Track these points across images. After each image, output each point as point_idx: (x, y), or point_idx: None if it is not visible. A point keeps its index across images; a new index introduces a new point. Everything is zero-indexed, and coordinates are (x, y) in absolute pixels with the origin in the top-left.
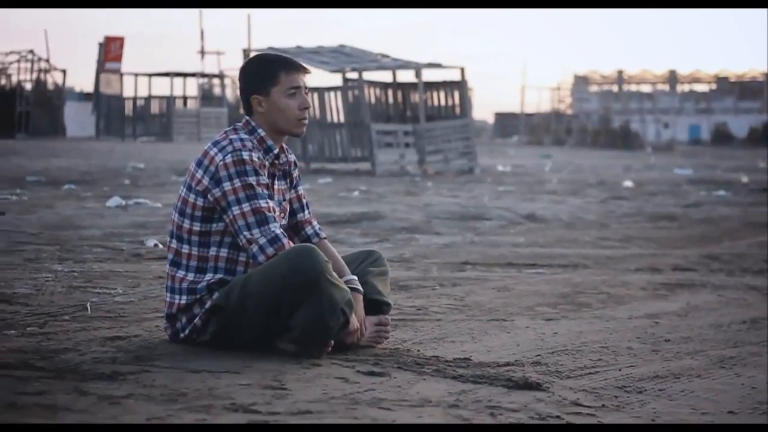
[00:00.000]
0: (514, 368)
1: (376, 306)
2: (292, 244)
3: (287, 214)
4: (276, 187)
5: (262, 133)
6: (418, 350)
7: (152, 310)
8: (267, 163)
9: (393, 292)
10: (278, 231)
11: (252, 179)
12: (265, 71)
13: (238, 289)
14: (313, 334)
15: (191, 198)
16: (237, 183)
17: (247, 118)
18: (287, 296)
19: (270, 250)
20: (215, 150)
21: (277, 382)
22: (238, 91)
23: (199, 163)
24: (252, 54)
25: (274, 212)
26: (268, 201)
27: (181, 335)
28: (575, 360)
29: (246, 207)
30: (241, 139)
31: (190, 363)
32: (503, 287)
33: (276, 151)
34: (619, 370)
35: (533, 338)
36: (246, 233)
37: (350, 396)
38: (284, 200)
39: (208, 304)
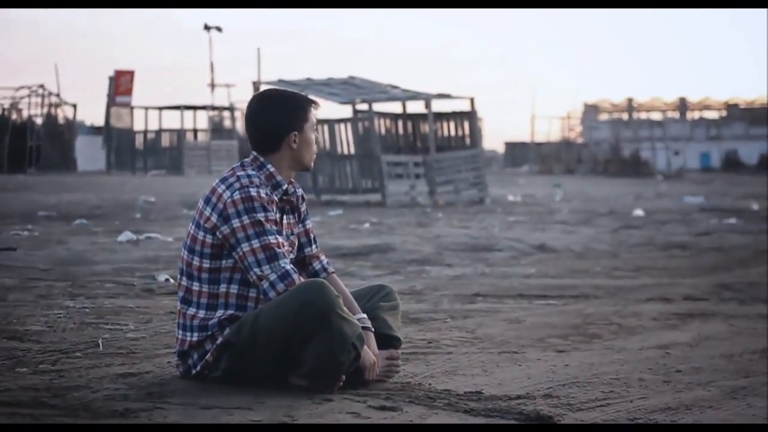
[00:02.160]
0: (525, 401)
1: (386, 341)
2: (302, 280)
3: (295, 248)
4: (285, 221)
5: (272, 169)
6: (430, 384)
7: (164, 345)
8: (276, 199)
9: (404, 324)
10: (288, 267)
11: (260, 215)
12: (299, 108)
13: (249, 325)
14: (324, 369)
15: (200, 235)
16: (246, 220)
17: (255, 153)
18: (298, 331)
19: (281, 286)
20: (223, 187)
21: (288, 418)
22: (255, 128)
23: (207, 201)
24: (262, 86)
25: (284, 248)
26: (277, 237)
27: (193, 371)
28: (587, 392)
29: (255, 243)
30: (249, 176)
31: (202, 399)
32: (514, 319)
33: (285, 186)
34: (631, 401)
35: (544, 370)
36: (256, 270)
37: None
38: (292, 234)
39: (220, 339)
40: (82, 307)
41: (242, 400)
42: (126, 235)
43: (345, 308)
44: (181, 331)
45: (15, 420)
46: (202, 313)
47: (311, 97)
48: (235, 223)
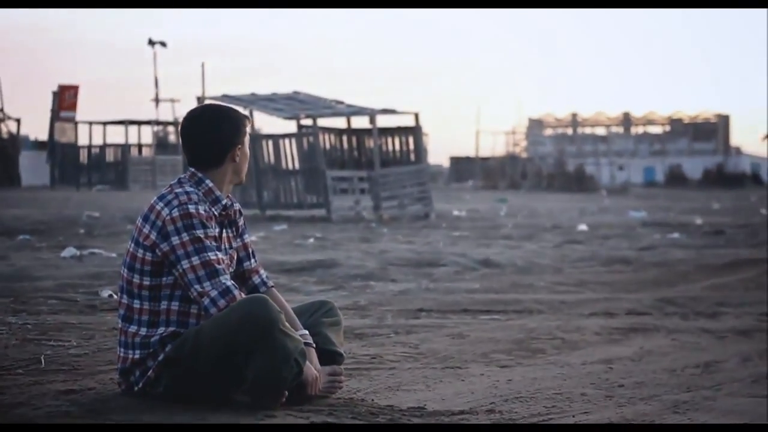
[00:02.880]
0: (468, 416)
1: (329, 356)
2: (243, 296)
3: (234, 262)
4: (224, 235)
5: (210, 184)
6: (372, 399)
7: (106, 362)
8: (216, 214)
9: (348, 340)
10: (229, 283)
11: (200, 232)
12: (240, 121)
13: (190, 341)
14: (266, 384)
15: (139, 253)
16: (185, 237)
17: (192, 169)
18: (240, 347)
19: (222, 302)
20: (161, 204)
21: None
22: (199, 143)
23: (145, 218)
24: (207, 101)
25: (223, 264)
26: (217, 253)
27: (135, 388)
28: (529, 407)
29: (195, 260)
30: (187, 192)
31: (144, 416)
32: (458, 334)
33: (224, 201)
34: (573, 416)
35: (487, 386)
36: (197, 286)
37: None
38: (231, 248)
39: (161, 356)
40: (25, 323)
41: (184, 417)
42: (69, 251)
43: (287, 324)
44: (122, 349)
45: None
46: (143, 331)
47: (255, 112)
48: (175, 240)
